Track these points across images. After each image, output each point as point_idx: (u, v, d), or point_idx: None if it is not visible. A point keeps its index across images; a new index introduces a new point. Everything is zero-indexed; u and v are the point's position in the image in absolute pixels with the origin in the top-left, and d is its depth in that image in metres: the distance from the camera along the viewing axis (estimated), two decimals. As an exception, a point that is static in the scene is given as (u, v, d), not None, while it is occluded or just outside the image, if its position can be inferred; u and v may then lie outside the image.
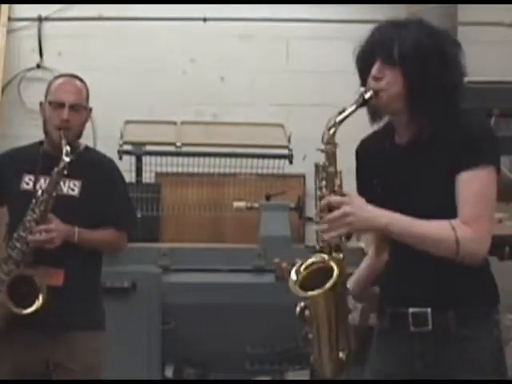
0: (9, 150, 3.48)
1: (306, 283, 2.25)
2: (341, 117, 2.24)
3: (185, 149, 5.75)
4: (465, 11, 6.23)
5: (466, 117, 2.32)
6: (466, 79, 5.20)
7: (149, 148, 5.77)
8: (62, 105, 3.20)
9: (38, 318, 3.05)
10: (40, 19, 6.40)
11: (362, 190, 2.44)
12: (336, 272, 2.20)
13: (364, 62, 2.31)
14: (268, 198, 5.65)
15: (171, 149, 5.74)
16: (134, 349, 4.71)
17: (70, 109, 3.19)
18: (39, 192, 3.09)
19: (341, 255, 2.26)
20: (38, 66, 6.37)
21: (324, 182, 2.25)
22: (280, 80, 6.46)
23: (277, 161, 5.83)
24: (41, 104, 3.29)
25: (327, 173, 2.25)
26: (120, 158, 5.36)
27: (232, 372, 4.97)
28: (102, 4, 6.35)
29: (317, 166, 2.27)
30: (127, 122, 5.94)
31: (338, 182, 2.25)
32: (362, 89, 2.27)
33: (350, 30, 6.45)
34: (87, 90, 3.31)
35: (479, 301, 2.28)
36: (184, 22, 6.45)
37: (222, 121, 6.32)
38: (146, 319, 4.78)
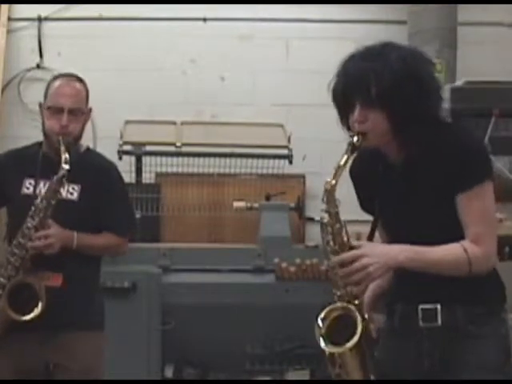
0: (8, 151, 3.45)
1: (330, 330, 2.29)
2: (335, 176, 2.27)
3: (185, 149, 5.75)
4: (465, 11, 6.23)
5: (454, 131, 2.34)
6: (466, 79, 5.21)
7: (149, 148, 5.77)
8: (60, 110, 3.14)
9: (37, 319, 3.05)
10: (40, 19, 6.40)
11: (366, 208, 2.49)
12: (360, 325, 2.25)
13: (341, 101, 2.31)
14: (268, 198, 5.65)
15: (171, 149, 5.74)
16: (134, 349, 4.71)
17: (69, 113, 3.14)
18: (38, 199, 3.06)
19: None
20: (38, 66, 6.37)
21: (331, 236, 2.30)
22: (280, 80, 6.46)
23: (277, 161, 5.83)
24: (40, 105, 3.25)
25: (333, 229, 2.30)
26: (120, 158, 5.36)
27: (232, 372, 4.97)
28: (101, 4, 6.35)
29: (322, 224, 2.31)
30: (127, 122, 5.94)
31: (344, 235, 2.30)
32: (350, 135, 2.29)
33: (350, 30, 6.46)
34: (87, 90, 3.25)
35: (487, 299, 2.32)
36: (184, 22, 6.46)
37: (221, 121, 6.32)
38: (146, 319, 4.78)
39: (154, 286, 4.83)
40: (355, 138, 2.27)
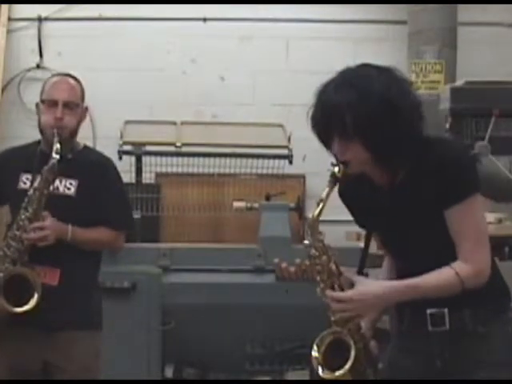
0: (7, 149, 3.48)
1: (327, 355, 2.32)
2: (318, 209, 2.28)
3: (185, 149, 5.75)
4: (465, 11, 6.23)
5: (437, 146, 2.31)
6: (466, 79, 5.20)
7: (149, 148, 5.77)
8: (55, 103, 3.18)
9: (34, 317, 3.04)
10: (40, 19, 6.40)
11: (360, 225, 2.50)
12: (353, 351, 2.27)
13: (320, 132, 2.31)
14: (268, 198, 5.65)
15: (171, 149, 5.74)
16: (134, 349, 4.71)
17: (63, 107, 3.17)
18: (31, 190, 3.09)
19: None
20: (38, 66, 6.38)
21: (320, 267, 2.32)
22: (280, 80, 6.47)
23: (277, 161, 5.84)
24: (37, 105, 3.29)
25: (321, 261, 2.32)
26: (120, 158, 5.36)
27: (232, 372, 4.97)
28: (101, 4, 6.36)
29: (310, 256, 2.33)
30: (127, 122, 5.94)
31: (333, 265, 2.32)
32: (332, 164, 2.30)
33: (350, 30, 6.47)
34: (82, 88, 3.29)
35: (492, 299, 2.33)
36: (184, 22, 6.46)
37: (221, 121, 6.32)
38: (146, 319, 4.77)
39: (154, 285, 4.83)
40: (336, 169, 2.27)
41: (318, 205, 2.28)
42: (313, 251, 2.32)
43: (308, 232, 2.33)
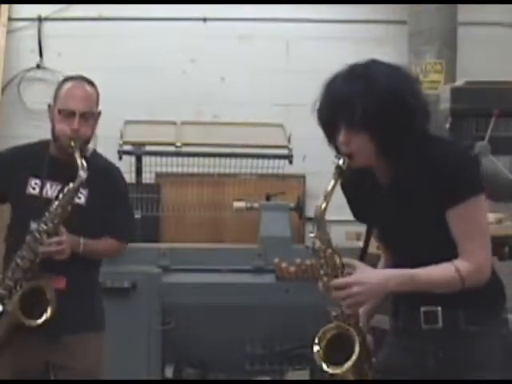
0: (13, 147, 3.40)
1: (328, 350, 2.32)
2: (324, 202, 2.28)
3: (185, 149, 5.75)
4: (465, 11, 6.23)
5: (441, 146, 2.32)
6: (466, 79, 5.20)
7: (149, 148, 5.77)
8: (72, 113, 3.11)
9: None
10: (40, 19, 6.40)
11: (359, 219, 2.50)
12: (357, 344, 2.28)
13: (327, 123, 2.32)
14: (268, 198, 5.65)
15: (171, 149, 5.74)
16: (134, 349, 4.71)
17: (80, 117, 3.11)
18: (54, 205, 3.05)
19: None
20: (38, 66, 6.38)
21: (323, 261, 2.32)
22: (280, 80, 6.47)
23: (277, 161, 5.83)
24: (49, 106, 3.21)
25: (325, 254, 2.32)
26: (120, 158, 5.35)
27: (232, 372, 4.97)
28: (101, 4, 6.36)
29: (314, 250, 2.34)
30: (127, 122, 5.93)
31: (337, 258, 2.31)
32: (336, 156, 2.31)
33: (350, 30, 6.47)
34: (97, 93, 3.24)
35: (487, 300, 2.33)
36: (184, 22, 6.47)
37: (222, 121, 6.32)
38: (146, 319, 4.78)
39: (154, 286, 4.83)
40: (341, 161, 2.28)
41: (325, 197, 2.28)
42: (318, 244, 2.31)
43: (315, 225, 2.32)
